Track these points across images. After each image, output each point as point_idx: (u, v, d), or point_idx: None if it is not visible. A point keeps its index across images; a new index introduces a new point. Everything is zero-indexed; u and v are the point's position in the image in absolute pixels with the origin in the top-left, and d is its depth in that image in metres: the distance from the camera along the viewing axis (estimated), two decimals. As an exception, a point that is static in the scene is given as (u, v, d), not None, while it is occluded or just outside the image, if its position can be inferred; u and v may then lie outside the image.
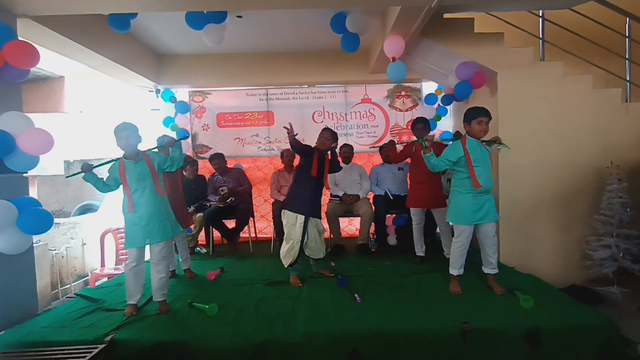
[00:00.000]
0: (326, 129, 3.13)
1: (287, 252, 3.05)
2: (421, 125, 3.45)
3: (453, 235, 2.91)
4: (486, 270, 2.82)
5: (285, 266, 3.09)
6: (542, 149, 3.49)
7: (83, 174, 2.51)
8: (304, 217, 3.00)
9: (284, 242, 3.10)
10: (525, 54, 3.53)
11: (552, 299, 2.59)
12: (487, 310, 2.44)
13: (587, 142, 3.47)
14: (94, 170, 2.55)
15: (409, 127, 5.24)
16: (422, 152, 2.76)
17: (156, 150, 2.82)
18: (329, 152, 3.13)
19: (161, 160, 2.67)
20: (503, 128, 3.50)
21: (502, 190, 3.52)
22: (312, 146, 3.10)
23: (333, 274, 3.27)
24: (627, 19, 3.57)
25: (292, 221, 3.02)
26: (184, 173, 4.27)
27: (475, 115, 2.66)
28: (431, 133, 2.77)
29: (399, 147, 3.74)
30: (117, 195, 2.68)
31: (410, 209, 3.59)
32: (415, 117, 3.74)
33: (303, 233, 3.00)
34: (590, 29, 3.61)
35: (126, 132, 2.51)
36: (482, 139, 2.73)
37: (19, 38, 2.68)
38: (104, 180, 2.58)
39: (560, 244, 3.50)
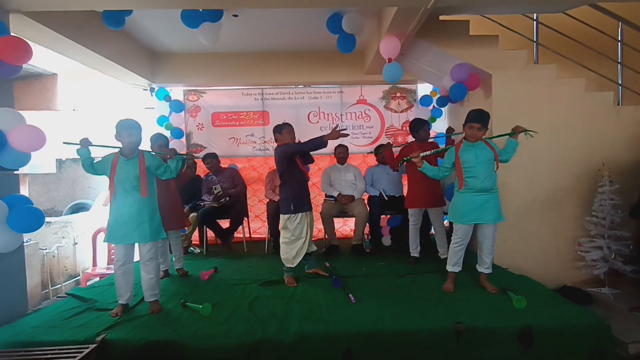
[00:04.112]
0: (286, 124, 3.12)
1: (298, 252, 3.05)
2: (426, 127, 3.53)
3: (448, 236, 2.92)
4: (480, 269, 2.85)
5: (293, 266, 3.08)
6: (535, 150, 3.51)
7: (79, 146, 2.49)
8: (308, 211, 3.10)
9: (288, 246, 3.07)
10: (519, 57, 3.56)
11: (544, 300, 2.60)
12: (481, 311, 2.44)
13: (579, 144, 3.51)
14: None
15: (404, 129, 5.33)
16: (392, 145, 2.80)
17: (154, 154, 2.75)
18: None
19: (156, 165, 2.61)
20: (497, 129, 3.51)
21: (495, 192, 3.54)
22: (291, 145, 3.08)
23: (327, 273, 3.26)
24: (620, 23, 3.63)
25: (303, 221, 3.05)
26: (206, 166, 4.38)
27: (469, 120, 2.70)
28: (414, 154, 2.76)
29: (396, 150, 3.76)
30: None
31: (408, 209, 3.59)
32: (414, 119, 3.74)
33: (309, 227, 3.10)
34: (583, 33, 3.65)
35: (137, 130, 2.53)
36: (501, 134, 2.76)
37: (11, 34, 2.65)
38: (94, 161, 2.55)
39: (552, 245, 3.53)
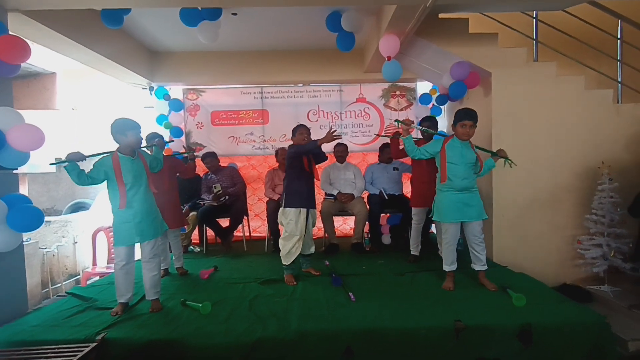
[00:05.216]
0: (301, 125, 3.21)
1: (290, 249, 3.06)
2: (428, 124, 3.51)
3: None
4: (476, 267, 2.86)
5: (287, 264, 3.09)
6: (535, 148, 3.52)
7: (67, 163, 2.32)
8: (305, 210, 3.07)
9: (283, 241, 3.10)
10: (519, 55, 3.55)
11: (544, 298, 2.61)
12: (480, 308, 2.45)
13: (579, 142, 3.51)
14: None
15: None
16: (400, 134, 2.82)
17: (147, 150, 2.84)
18: None
19: (151, 160, 2.71)
20: (496, 128, 3.53)
21: (495, 189, 3.55)
22: (295, 146, 3.14)
23: (319, 272, 3.27)
24: (619, 21, 3.61)
25: (295, 217, 3.04)
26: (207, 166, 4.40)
27: (460, 119, 2.73)
28: (408, 120, 2.87)
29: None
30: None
31: (412, 208, 3.59)
32: (425, 116, 3.78)
33: (305, 226, 3.07)
34: (582, 31, 3.64)
35: (140, 129, 2.54)
36: (487, 149, 2.84)
37: (10, 32, 2.64)
38: (86, 172, 2.40)
39: (552, 243, 3.53)
